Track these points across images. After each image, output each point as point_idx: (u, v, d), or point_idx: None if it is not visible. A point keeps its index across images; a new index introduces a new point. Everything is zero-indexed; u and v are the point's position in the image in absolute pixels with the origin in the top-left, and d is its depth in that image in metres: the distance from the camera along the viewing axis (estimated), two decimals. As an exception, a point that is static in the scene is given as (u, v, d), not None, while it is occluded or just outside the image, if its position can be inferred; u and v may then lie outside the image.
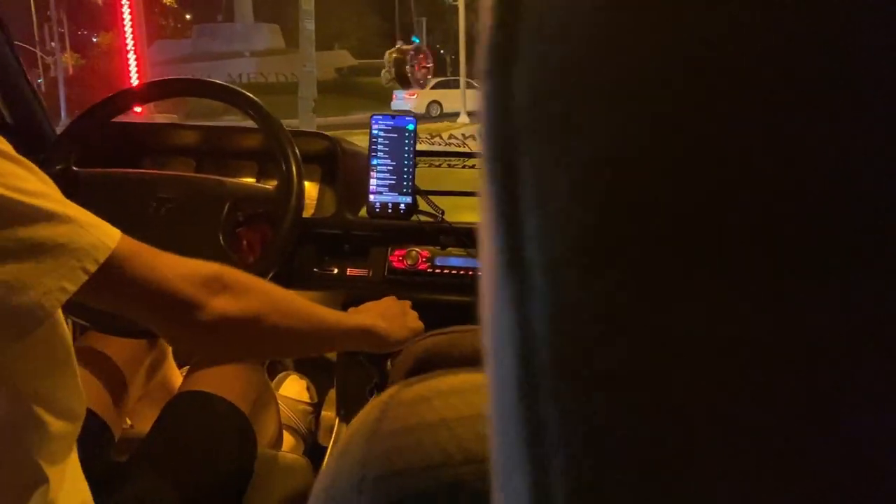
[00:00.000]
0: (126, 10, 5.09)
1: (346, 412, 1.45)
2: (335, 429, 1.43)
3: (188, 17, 30.54)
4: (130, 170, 1.33)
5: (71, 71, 24.63)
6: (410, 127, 1.40)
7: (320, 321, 0.88)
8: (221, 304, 0.74)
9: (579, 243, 0.12)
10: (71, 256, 0.63)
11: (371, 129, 1.40)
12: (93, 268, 0.64)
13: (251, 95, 1.31)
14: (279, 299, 0.83)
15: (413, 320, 1.08)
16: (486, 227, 0.15)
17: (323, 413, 1.71)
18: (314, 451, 1.53)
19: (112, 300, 0.71)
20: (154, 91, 1.36)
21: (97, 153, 1.36)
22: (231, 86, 1.34)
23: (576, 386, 0.12)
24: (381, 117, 1.41)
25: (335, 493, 0.28)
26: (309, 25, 9.00)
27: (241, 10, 24.50)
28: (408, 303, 1.14)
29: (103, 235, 0.66)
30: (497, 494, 0.15)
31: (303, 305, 0.87)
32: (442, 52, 29.49)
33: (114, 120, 1.36)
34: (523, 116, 0.14)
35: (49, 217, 0.62)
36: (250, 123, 1.36)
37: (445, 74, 27.95)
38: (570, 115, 0.13)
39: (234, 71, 22.96)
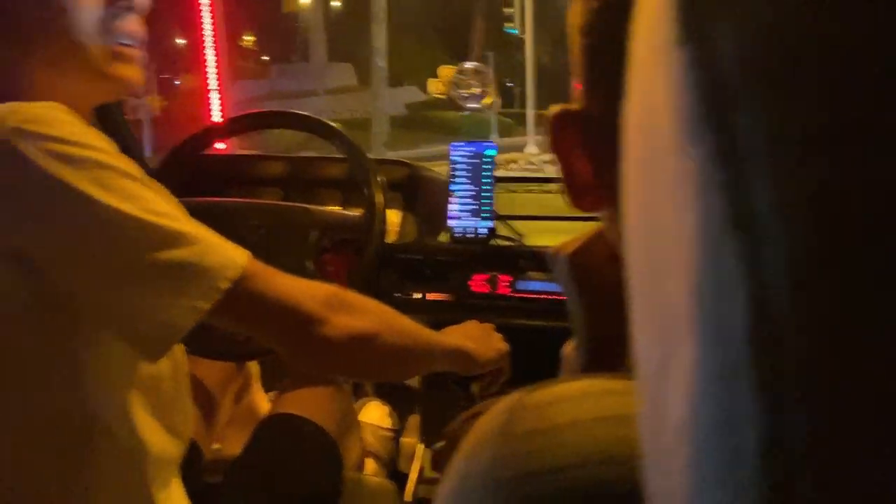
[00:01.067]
0: (210, 52, 5.36)
1: (429, 437, 1.46)
2: (419, 454, 1.44)
3: (265, 57, 31.80)
4: (224, 199, 1.39)
5: (155, 113, 25.92)
6: (489, 152, 1.42)
7: (426, 341, 0.90)
8: (343, 321, 0.76)
9: (818, 188, 0.13)
10: (203, 276, 0.66)
11: (450, 155, 1.43)
12: (225, 286, 0.66)
13: (336, 125, 1.36)
14: (392, 318, 0.85)
15: (498, 341, 1.09)
16: (681, 197, 0.15)
17: (403, 439, 1.72)
18: (394, 477, 1.54)
19: (238, 319, 0.73)
20: (242, 123, 1.43)
21: (189, 184, 1.43)
22: (318, 118, 1.39)
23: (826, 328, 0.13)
24: (460, 144, 1.43)
25: (465, 495, 0.29)
26: (380, 63, 9.24)
27: (316, 50, 25.34)
28: (491, 325, 1.14)
29: (233, 255, 0.69)
30: None
31: (411, 325, 0.89)
32: (510, 84, 29.70)
33: (204, 153, 1.43)
34: (736, 73, 0.14)
35: (181, 238, 0.66)
36: (332, 153, 1.40)
37: (513, 107, 28.12)
38: (792, 70, 0.13)
39: (310, 108, 23.57)
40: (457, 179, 1.43)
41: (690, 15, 0.15)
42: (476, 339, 1.04)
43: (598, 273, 0.59)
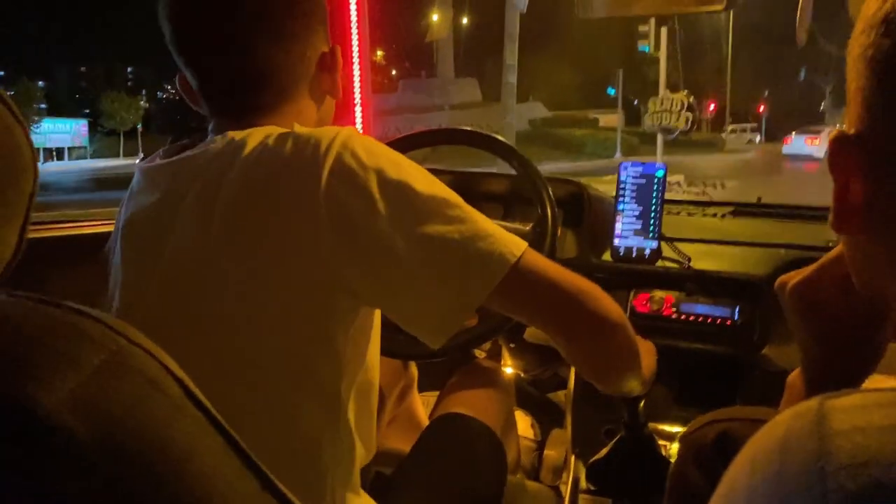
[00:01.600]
0: (357, 69, 5.75)
1: (581, 450, 1.48)
2: (571, 465, 1.46)
3: (394, 72, 32.80)
4: None
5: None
6: (660, 174, 1.43)
7: (638, 346, 0.92)
8: (609, 304, 0.82)
9: None
10: (489, 261, 0.75)
11: (619, 175, 1.45)
12: (506, 269, 0.75)
13: (510, 144, 1.42)
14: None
15: (654, 356, 1.07)
16: None
17: (545, 452, 1.75)
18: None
19: (520, 297, 0.80)
20: (419, 140, 1.51)
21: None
22: (494, 136, 1.45)
23: None
24: (630, 164, 1.45)
25: (782, 488, 0.32)
26: (511, 79, 9.35)
27: (443, 66, 25.89)
28: (652, 346, 1.12)
29: (513, 241, 0.77)
30: None
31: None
32: (636, 102, 29.14)
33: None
34: None
35: (476, 234, 0.76)
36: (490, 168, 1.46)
37: (640, 125, 27.52)
38: None
39: (435, 122, 24.14)
40: (624, 199, 1.45)
41: None
42: (644, 354, 1.04)
43: (827, 304, 0.60)
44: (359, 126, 6.08)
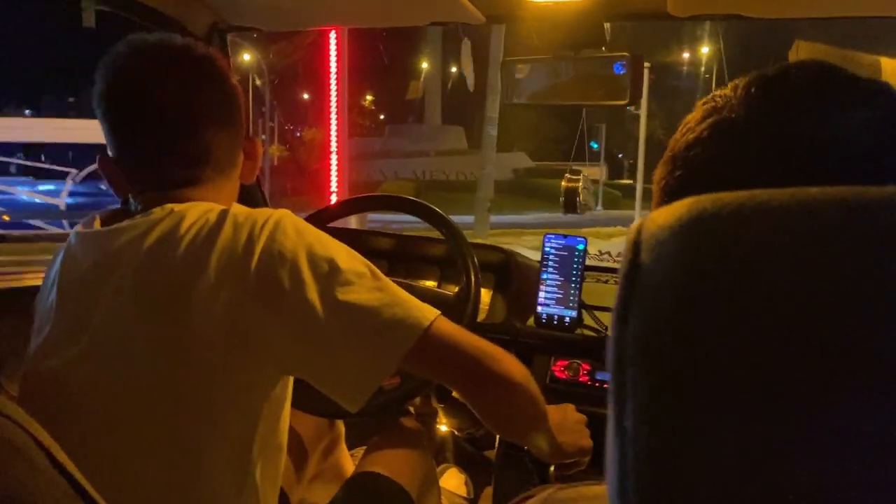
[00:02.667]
0: (333, 118, 5.91)
1: (502, 509, 1.53)
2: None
3: (382, 117, 33.21)
4: None
5: (276, 161, 27.44)
6: (581, 247, 1.51)
7: (544, 406, 0.99)
8: (512, 365, 0.89)
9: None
10: (400, 328, 0.82)
11: (544, 246, 1.53)
12: (418, 335, 0.82)
13: (441, 212, 1.50)
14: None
15: (585, 439, 1.14)
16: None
17: (478, 504, 1.79)
18: (466, 545, 1.61)
19: (430, 362, 0.87)
20: (357, 205, 1.59)
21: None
22: (425, 203, 1.53)
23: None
24: (553, 236, 1.54)
25: None
26: (492, 131, 9.55)
27: (431, 113, 26.28)
28: (583, 418, 1.19)
29: (424, 310, 0.85)
30: None
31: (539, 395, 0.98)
32: (620, 156, 29.65)
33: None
34: (631, 347, 0.25)
35: (386, 304, 0.83)
36: (436, 234, 1.54)
37: (622, 177, 27.95)
38: (655, 351, 0.24)
39: (419, 168, 24.49)
40: (548, 269, 1.53)
41: (622, 304, 0.27)
42: (566, 429, 1.11)
43: None
44: (334, 170, 6.21)
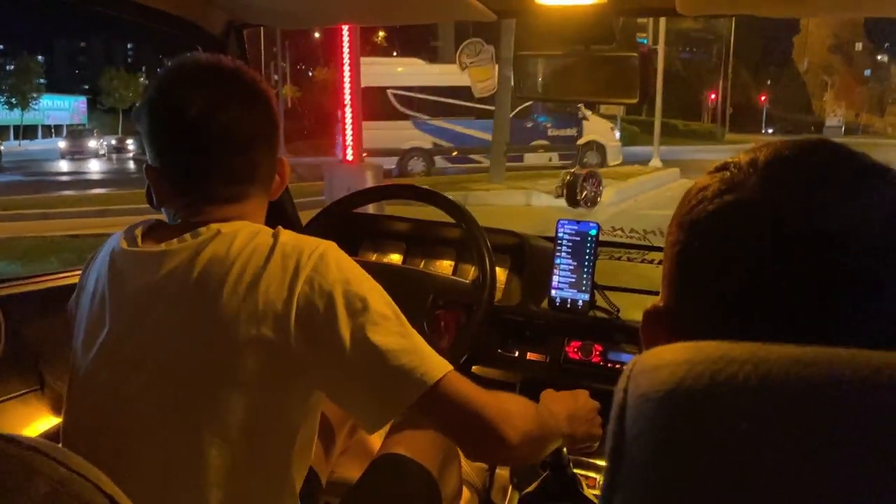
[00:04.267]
0: (348, 105, 5.97)
1: (520, 480, 1.61)
2: (509, 494, 1.60)
3: (395, 54, 32.67)
4: (357, 258, 1.60)
5: (289, 103, 27.21)
6: (593, 232, 1.55)
7: (552, 428, 1.09)
8: (515, 424, 0.95)
9: None
10: (413, 376, 0.88)
11: (556, 232, 1.57)
12: (427, 387, 0.88)
13: (457, 202, 1.54)
14: (537, 416, 1.04)
15: (596, 427, 1.22)
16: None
17: (497, 472, 1.89)
18: (487, 507, 1.70)
19: (434, 415, 0.94)
20: (374, 195, 1.64)
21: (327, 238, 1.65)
22: (438, 192, 1.57)
23: None
24: (566, 222, 1.57)
25: None
26: (507, 73, 9.39)
27: (444, 56, 25.75)
28: (596, 406, 1.25)
29: (438, 362, 0.91)
30: None
31: (545, 415, 1.08)
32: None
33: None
34: None
35: (404, 351, 0.89)
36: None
37: (640, 114, 27.46)
38: None
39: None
40: (561, 253, 1.57)
41: (609, 477, 0.32)
42: (578, 419, 1.18)
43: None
44: (350, 140, 6.32)
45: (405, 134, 14.32)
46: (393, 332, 0.90)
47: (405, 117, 14.35)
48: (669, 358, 0.35)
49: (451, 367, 0.92)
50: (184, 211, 0.98)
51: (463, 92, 11.83)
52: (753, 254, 0.47)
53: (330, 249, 0.92)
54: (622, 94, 1.25)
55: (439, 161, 14.62)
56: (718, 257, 0.50)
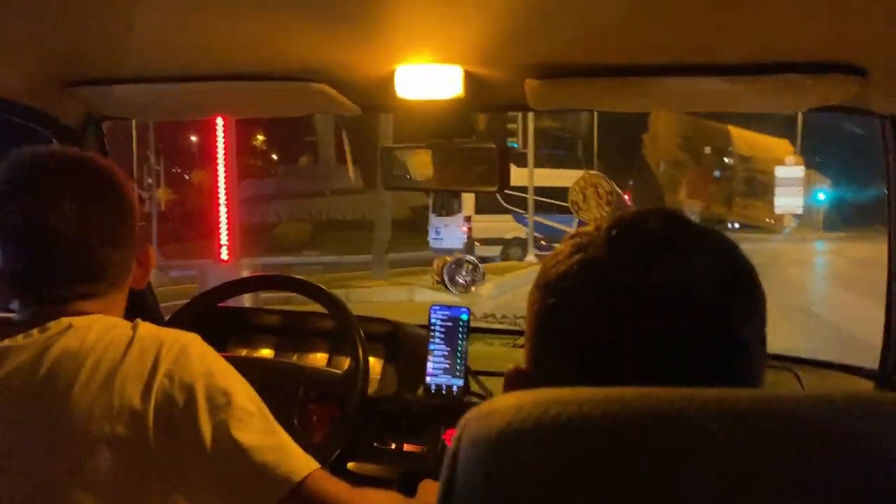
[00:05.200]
0: (223, 201, 5.96)
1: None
2: None
3: (274, 157, 32.74)
4: (225, 353, 1.54)
5: (163, 206, 26.40)
6: (464, 317, 1.58)
7: None
8: None
9: None
10: (278, 472, 0.85)
11: (430, 318, 1.59)
12: (296, 482, 0.85)
13: (327, 290, 1.53)
14: None
15: None
16: None
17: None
18: None
19: None
20: (247, 285, 1.61)
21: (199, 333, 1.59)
22: (309, 281, 1.56)
23: None
24: (438, 308, 1.60)
25: None
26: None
27: (324, 152, 26.14)
28: None
29: (304, 461, 0.88)
30: None
31: None
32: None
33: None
34: None
35: (270, 447, 0.86)
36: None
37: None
38: None
39: (315, 208, 24.23)
40: (434, 339, 1.58)
41: None
42: None
43: None
44: (224, 240, 6.24)
45: (507, 226, 17.05)
46: (257, 428, 0.87)
47: (507, 211, 16.59)
48: (501, 405, 0.36)
49: (317, 465, 0.89)
50: (29, 308, 0.92)
51: (548, 190, 15.09)
52: (600, 308, 0.51)
53: (192, 342, 0.89)
54: (482, 183, 1.31)
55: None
56: (571, 313, 0.52)
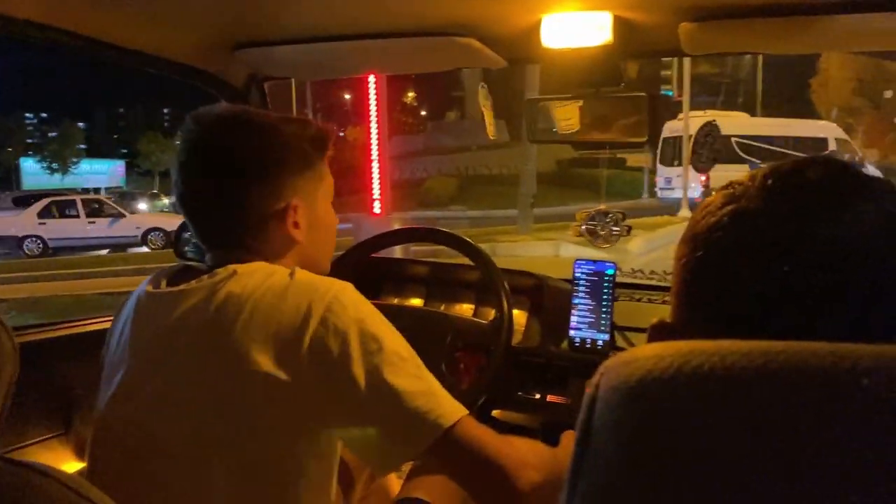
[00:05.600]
0: (375, 155, 6.20)
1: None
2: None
3: (423, 113, 33.31)
4: (378, 301, 1.62)
5: (322, 162, 27.66)
6: (610, 272, 1.55)
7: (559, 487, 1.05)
8: (529, 476, 0.92)
9: None
10: (428, 418, 0.88)
11: (574, 272, 1.58)
12: (443, 430, 0.87)
13: (473, 243, 1.56)
14: (553, 464, 1.00)
15: None
16: None
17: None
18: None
19: (448, 460, 0.92)
20: (394, 238, 1.67)
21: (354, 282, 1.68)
22: (456, 234, 1.59)
23: None
24: (583, 262, 1.58)
25: None
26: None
27: (472, 107, 26.24)
28: None
29: (453, 407, 0.90)
30: None
31: (561, 468, 1.04)
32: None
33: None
34: None
35: (419, 393, 0.89)
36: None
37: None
38: None
39: (462, 164, 24.53)
40: (579, 294, 1.57)
41: (573, 469, 0.32)
42: None
43: None
44: (377, 194, 6.48)
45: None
46: (409, 373, 0.90)
47: (744, 161, 16.19)
48: (640, 354, 0.36)
49: (466, 412, 0.91)
50: (209, 254, 1.02)
51: (775, 140, 15.56)
52: (752, 262, 0.49)
53: (345, 290, 0.93)
54: (632, 134, 1.27)
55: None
56: (721, 266, 0.51)
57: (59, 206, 16.72)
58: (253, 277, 0.93)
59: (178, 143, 1.01)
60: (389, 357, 0.89)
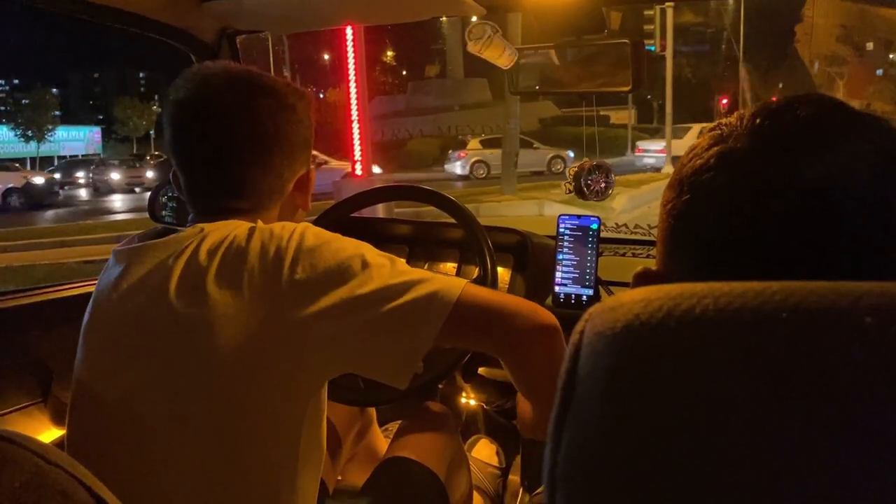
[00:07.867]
0: (354, 110, 6.07)
1: (530, 483, 1.59)
2: (520, 496, 1.57)
3: (404, 73, 32.89)
4: None
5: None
6: (594, 226, 1.53)
7: None
8: (544, 315, 0.94)
9: None
10: (432, 304, 0.86)
11: (558, 227, 1.56)
12: (455, 296, 0.87)
13: (455, 200, 1.53)
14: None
15: None
16: None
17: (510, 477, 1.86)
18: (500, 513, 1.68)
19: (464, 330, 0.91)
20: (376, 196, 1.63)
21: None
22: (438, 191, 1.56)
23: None
24: (567, 217, 1.56)
25: None
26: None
27: (453, 66, 25.94)
28: None
29: (451, 282, 0.89)
30: None
31: None
32: (649, 97, 29.08)
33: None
34: (561, 467, 0.29)
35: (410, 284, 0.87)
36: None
37: (652, 121, 27.46)
38: (584, 473, 0.28)
39: (444, 123, 24.33)
40: (563, 249, 1.56)
41: (558, 416, 0.30)
42: None
43: None
44: (358, 156, 6.42)
45: None
46: (398, 272, 0.88)
47: None
48: (626, 298, 0.33)
49: (465, 281, 0.91)
50: (191, 218, 1.00)
51: None
52: (740, 204, 0.46)
53: (308, 227, 0.91)
54: (615, 83, 1.23)
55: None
56: (707, 209, 0.48)
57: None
58: (217, 232, 0.91)
59: (179, 102, 0.97)
60: (373, 267, 0.87)
